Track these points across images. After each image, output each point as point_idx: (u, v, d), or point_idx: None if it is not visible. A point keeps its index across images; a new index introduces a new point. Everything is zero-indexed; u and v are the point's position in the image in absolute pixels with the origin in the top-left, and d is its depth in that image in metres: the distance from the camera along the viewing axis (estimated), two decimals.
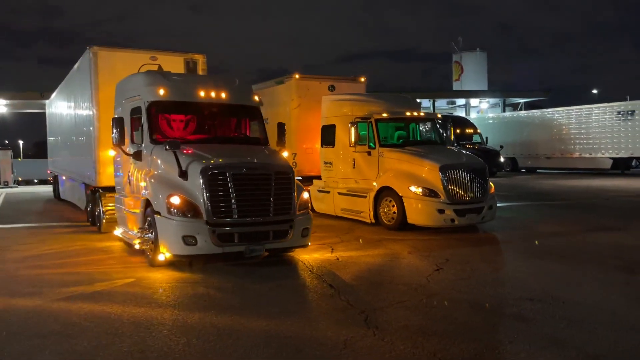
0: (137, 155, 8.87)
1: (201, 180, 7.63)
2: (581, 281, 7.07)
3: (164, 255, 7.77)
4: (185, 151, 8.15)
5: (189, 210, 7.60)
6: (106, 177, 11.84)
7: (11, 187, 32.84)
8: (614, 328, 5.14)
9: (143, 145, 8.80)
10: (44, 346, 4.79)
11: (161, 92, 8.81)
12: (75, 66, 14.00)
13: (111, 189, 11.76)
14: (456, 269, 7.72)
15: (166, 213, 7.68)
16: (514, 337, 4.91)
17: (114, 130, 8.98)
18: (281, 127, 10.14)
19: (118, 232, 10.44)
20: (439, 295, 6.38)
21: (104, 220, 11.77)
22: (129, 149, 9.15)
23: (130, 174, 9.40)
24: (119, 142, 8.97)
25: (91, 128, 12.32)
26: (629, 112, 28.63)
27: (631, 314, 5.61)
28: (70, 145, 15.55)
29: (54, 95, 20.81)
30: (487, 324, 5.34)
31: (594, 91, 54.09)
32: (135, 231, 9.08)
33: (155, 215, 7.90)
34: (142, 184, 8.63)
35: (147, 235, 8.21)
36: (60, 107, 18.18)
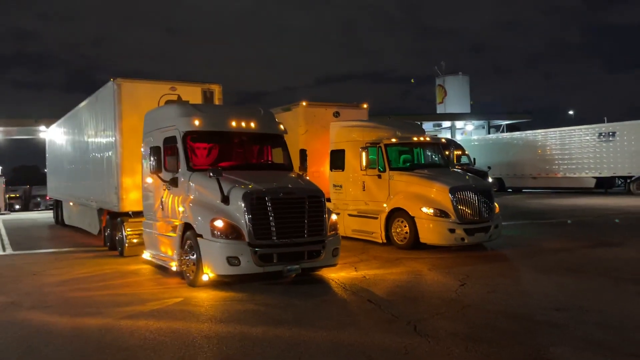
0: (173, 182, 9.37)
1: (243, 205, 8.18)
2: (597, 292, 7.73)
3: (207, 275, 8.26)
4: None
5: (232, 232, 8.13)
6: (129, 203, 12.30)
7: (3, 214, 32.78)
8: None
9: (180, 172, 9.31)
10: (135, 358, 5.26)
11: (196, 122, 9.40)
12: (93, 96, 14.50)
13: (133, 214, 12.25)
14: (480, 284, 8.35)
15: (210, 236, 8.19)
16: (553, 341, 5.52)
17: (152, 159, 9.51)
18: (303, 154, 10.74)
19: (146, 255, 10.86)
20: (473, 307, 6.99)
21: (126, 245, 12.17)
22: (164, 175, 9.65)
23: (163, 199, 9.88)
24: (156, 170, 9.48)
25: (110, 154, 12.84)
26: (610, 134, 29.93)
27: None
28: (83, 171, 15.90)
29: (58, 123, 21.15)
30: (525, 331, 5.95)
31: (570, 112, 56.17)
32: (170, 254, 9.54)
33: (197, 238, 8.40)
34: (180, 208, 9.12)
35: (188, 257, 8.69)
36: (68, 135, 18.55)
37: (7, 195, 36.72)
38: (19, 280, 9.69)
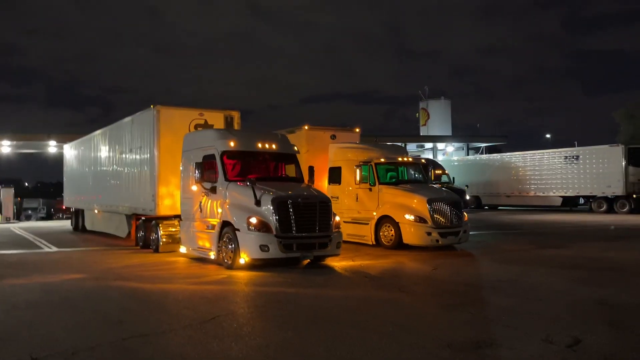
0: (213, 190, 12.04)
1: (271, 207, 10.90)
2: (532, 274, 10.52)
3: (244, 259, 10.92)
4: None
5: (263, 227, 10.83)
6: (163, 208, 14.90)
7: (13, 223, 34.88)
8: (549, 290, 8.63)
9: (218, 182, 11.98)
10: (209, 302, 7.91)
11: (231, 144, 12.12)
12: (129, 119, 17.13)
13: (165, 218, 14.83)
14: (448, 269, 11.13)
15: (246, 229, 10.87)
16: (492, 295, 8.32)
17: (196, 171, 12.16)
18: (311, 170, 13.52)
19: (183, 249, 13.46)
20: (441, 280, 9.77)
21: (161, 243, 14.75)
22: (205, 185, 12.28)
23: (202, 204, 12.52)
24: (200, 180, 12.15)
25: (147, 167, 15.45)
26: (574, 157, 33.27)
27: (559, 285, 9.09)
28: (114, 183, 18.44)
29: (80, 141, 23.71)
30: (474, 291, 8.75)
31: (547, 135, 60.06)
32: (208, 245, 12.17)
33: (235, 232, 11.07)
34: (219, 210, 11.79)
35: (227, 247, 11.34)
36: (94, 152, 21.05)
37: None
38: (87, 265, 12.23)
